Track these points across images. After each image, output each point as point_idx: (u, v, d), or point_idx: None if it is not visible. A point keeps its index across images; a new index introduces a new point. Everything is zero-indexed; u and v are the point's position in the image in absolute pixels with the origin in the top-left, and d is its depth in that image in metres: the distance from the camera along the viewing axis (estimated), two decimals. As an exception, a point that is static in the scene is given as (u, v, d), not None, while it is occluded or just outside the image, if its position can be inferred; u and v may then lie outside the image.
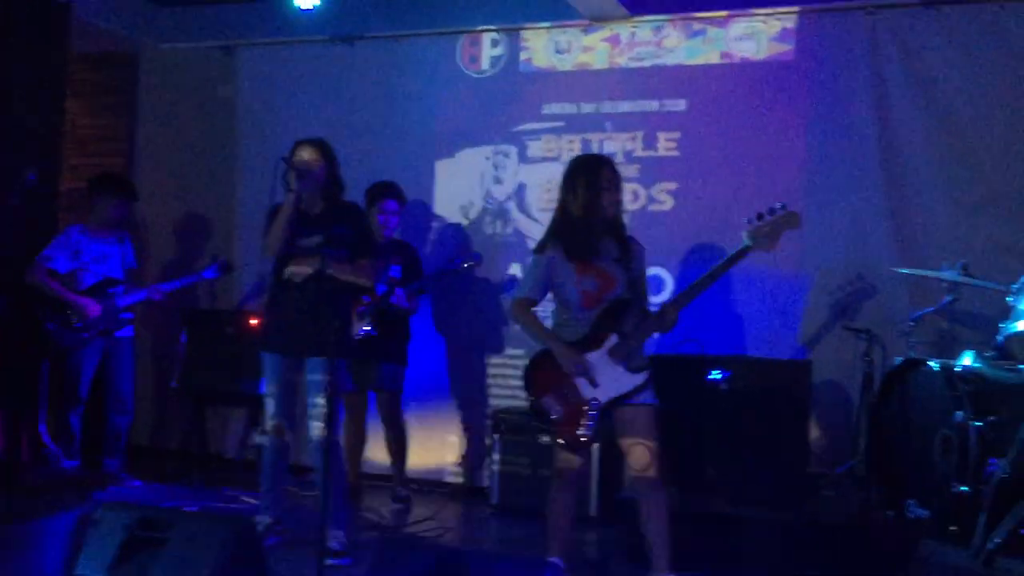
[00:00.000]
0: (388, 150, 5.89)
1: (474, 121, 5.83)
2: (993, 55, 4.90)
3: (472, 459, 5.66)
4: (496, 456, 5.11)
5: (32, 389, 5.18)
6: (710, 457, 4.32)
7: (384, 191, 5.17)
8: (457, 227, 5.83)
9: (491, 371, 5.68)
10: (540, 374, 3.65)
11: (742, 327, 5.22)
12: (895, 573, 3.88)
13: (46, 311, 5.14)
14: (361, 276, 4.14)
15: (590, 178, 3.61)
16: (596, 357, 3.57)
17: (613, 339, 3.56)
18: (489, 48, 5.87)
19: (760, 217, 3.56)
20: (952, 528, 3.90)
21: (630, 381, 3.54)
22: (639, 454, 3.55)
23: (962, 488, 3.88)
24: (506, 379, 5.59)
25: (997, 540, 3.65)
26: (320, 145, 4.14)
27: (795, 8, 5.25)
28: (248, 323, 5.39)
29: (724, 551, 4.07)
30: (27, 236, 5.24)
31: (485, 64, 5.87)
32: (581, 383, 3.57)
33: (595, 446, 4.65)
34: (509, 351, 5.62)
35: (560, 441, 3.64)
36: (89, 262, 5.24)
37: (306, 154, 4.08)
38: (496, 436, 5.12)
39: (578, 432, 3.55)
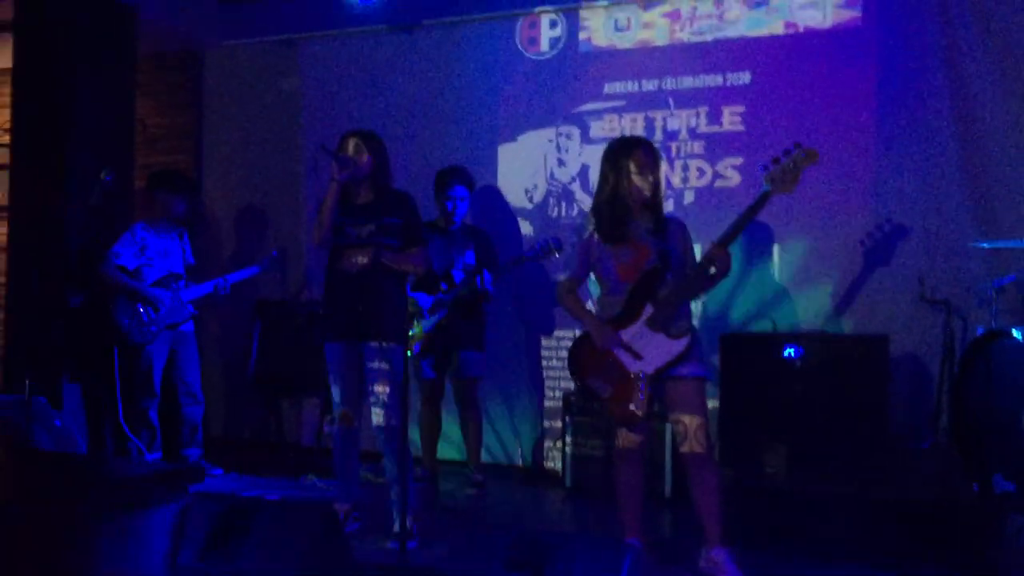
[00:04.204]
0: (450, 136, 5.92)
1: (535, 104, 5.81)
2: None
3: (541, 442, 5.67)
4: (568, 438, 5.11)
5: (109, 384, 5.32)
6: (787, 435, 4.26)
7: (451, 177, 5.15)
8: (531, 209, 5.81)
9: (559, 353, 5.68)
10: (583, 355, 3.68)
11: (815, 302, 5.13)
12: (983, 549, 3.79)
13: (119, 307, 5.27)
14: (411, 265, 4.15)
15: (621, 161, 3.62)
16: (635, 330, 3.56)
17: (649, 309, 3.55)
18: (548, 29, 5.83)
19: (776, 161, 3.49)
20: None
21: (673, 348, 3.52)
22: (684, 429, 3.55)
23: (1051, 461, 3.78)
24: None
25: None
26: (365, 135, 4.17)
27: (861, -28, 5.12)
28: (318, 312, 5.47)
29: (805, 530, 4.01)
30: (105, 235, 5.38)
31: (544, 46, 5.84)
32: (625, 358, 3.56)
33: (668, 426, 4.64)
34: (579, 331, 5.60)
35: (615, 419, 3.64)
36: (154, 257, 5.35)
37: (350, 145, 4.12)
38: (567, 418, 5.12)
39: (630, 407, 3.55)
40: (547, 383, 5.71)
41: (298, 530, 2.99)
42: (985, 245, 4.54)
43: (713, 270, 3.54)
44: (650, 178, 3.63)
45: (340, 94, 6.25)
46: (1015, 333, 4.07)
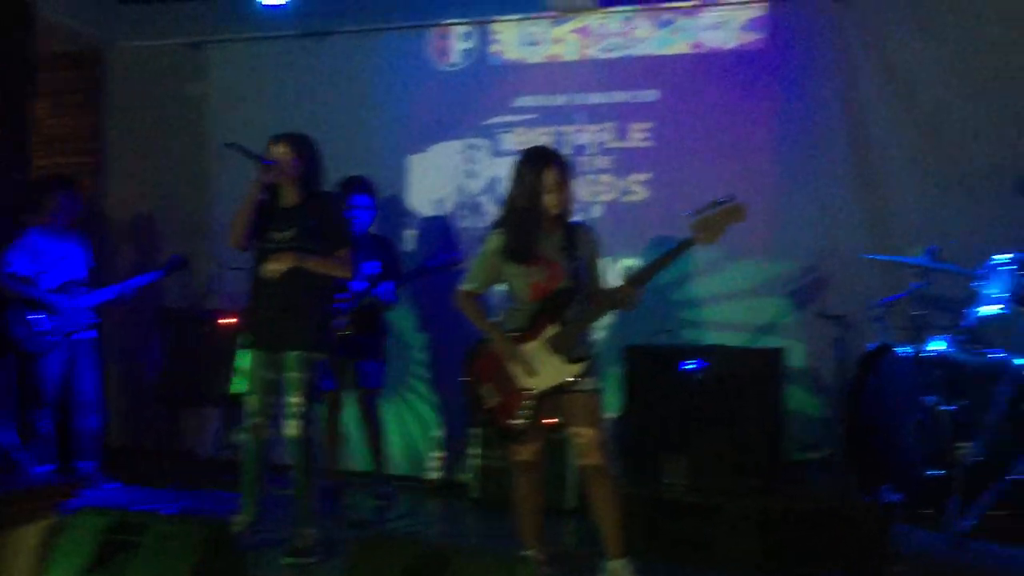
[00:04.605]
0: (360, 145, 5.86)
1: (446, 115, 5.81)
2: (956, 37, 4.96)
3: (450, 455, 5.65)
4: (476, 450, 5.10)
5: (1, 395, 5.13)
6: (684, 447, 4.33)
7: (352, 186, 5.08)
8: (440, 220, 5.80)
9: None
10: (480, 362, 3.68)
11: (714, 316, 5.25)
12: (869, 558, 3.91)
13: (12, 316, 5.07)
14: (337, 269, 4.10)
15: (534, 176, 3.54)
16: (534, 347, 3.57)
17: (552, 329, 3.56)
18: (459, 41, 5.85)
19: (708, 207, 3.51)
20: (925, 512, 3.95)
21: (568, 371, 3.53)
22: (581, 441, 3.58)
23: (934, 472, 3.92)
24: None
25: (969, 523, 3.69)
26: (292, 139, 4.11)
27: (765, -4, 5.28)
28: (220, 322, 5.37)
29: (700, 540, 4.08)
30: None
31: (455, 57, 5.85)
32: (519, 373, 3.58)
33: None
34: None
35: (496, 429, 3.66)
36: (52, 263, 5.18)
37: (277, 148, 4.07)
38: (475, 430, 5.11)
39: (511, 421, 3.57)
40: (458, 394, 5.66)
41: (188, 545, 2.92)
42: (868, 257, 4.71)
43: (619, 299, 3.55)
44: (561, 194, 3.58)
45: (248, 99, 6.14)
46: (901, 349, 4.22)
